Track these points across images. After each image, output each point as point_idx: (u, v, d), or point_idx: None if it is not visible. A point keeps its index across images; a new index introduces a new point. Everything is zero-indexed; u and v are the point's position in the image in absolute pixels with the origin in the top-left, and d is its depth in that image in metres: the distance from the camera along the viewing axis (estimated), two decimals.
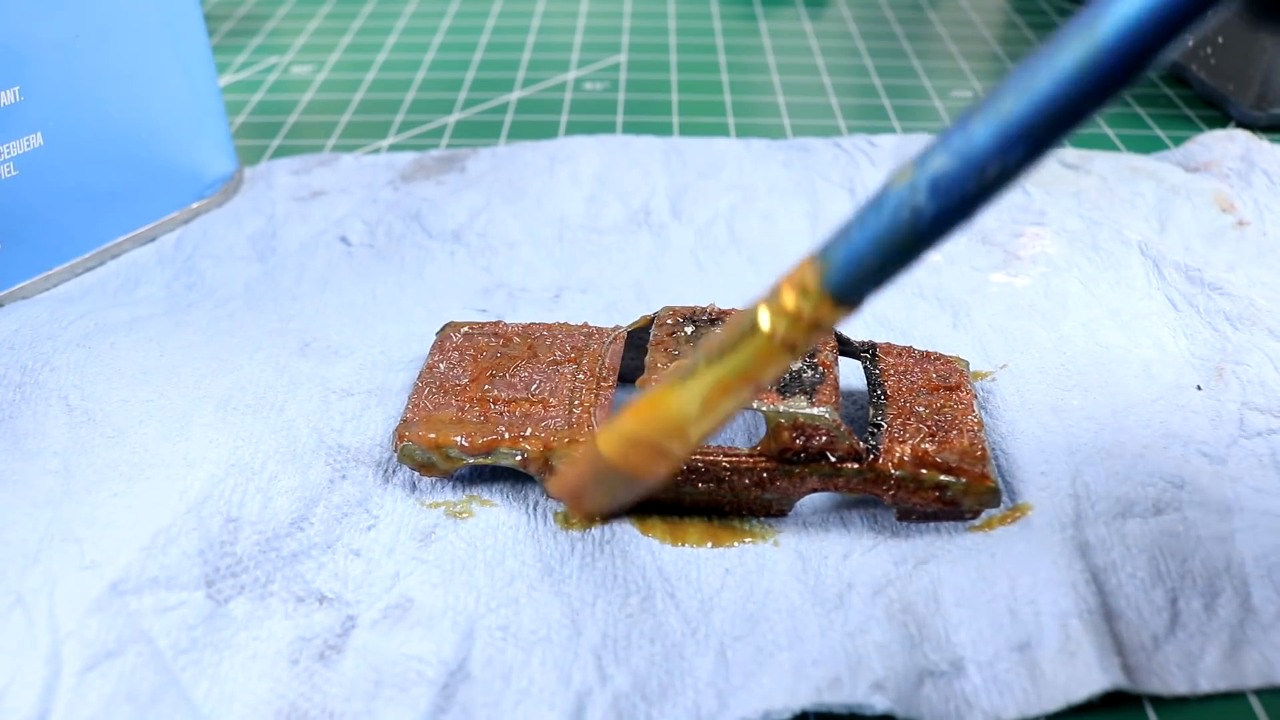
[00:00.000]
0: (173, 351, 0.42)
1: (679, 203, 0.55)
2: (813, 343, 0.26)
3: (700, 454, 0.36)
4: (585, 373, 0.39)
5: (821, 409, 0.35)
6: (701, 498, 0.36)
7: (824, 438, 0.35)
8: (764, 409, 0.35)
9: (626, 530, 0.36)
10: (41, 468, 0.36)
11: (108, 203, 0.50)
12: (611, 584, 0.34)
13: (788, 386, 0.35)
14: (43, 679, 0.30)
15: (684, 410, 0.28)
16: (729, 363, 0.28)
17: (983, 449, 0.36)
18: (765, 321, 0.26)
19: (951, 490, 0.35)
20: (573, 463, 0.34)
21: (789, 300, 0.26)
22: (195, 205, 0.53)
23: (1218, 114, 0.65)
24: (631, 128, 0.64)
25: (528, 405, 0.37)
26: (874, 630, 0.32)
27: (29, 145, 0.45)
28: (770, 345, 0.27)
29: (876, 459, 0.35)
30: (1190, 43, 0.67)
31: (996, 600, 0.33)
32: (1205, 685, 0.31)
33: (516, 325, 0.42)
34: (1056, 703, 0.30)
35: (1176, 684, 0.31)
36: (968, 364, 0.41)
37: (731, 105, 0.67)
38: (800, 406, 0.35)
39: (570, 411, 0.37)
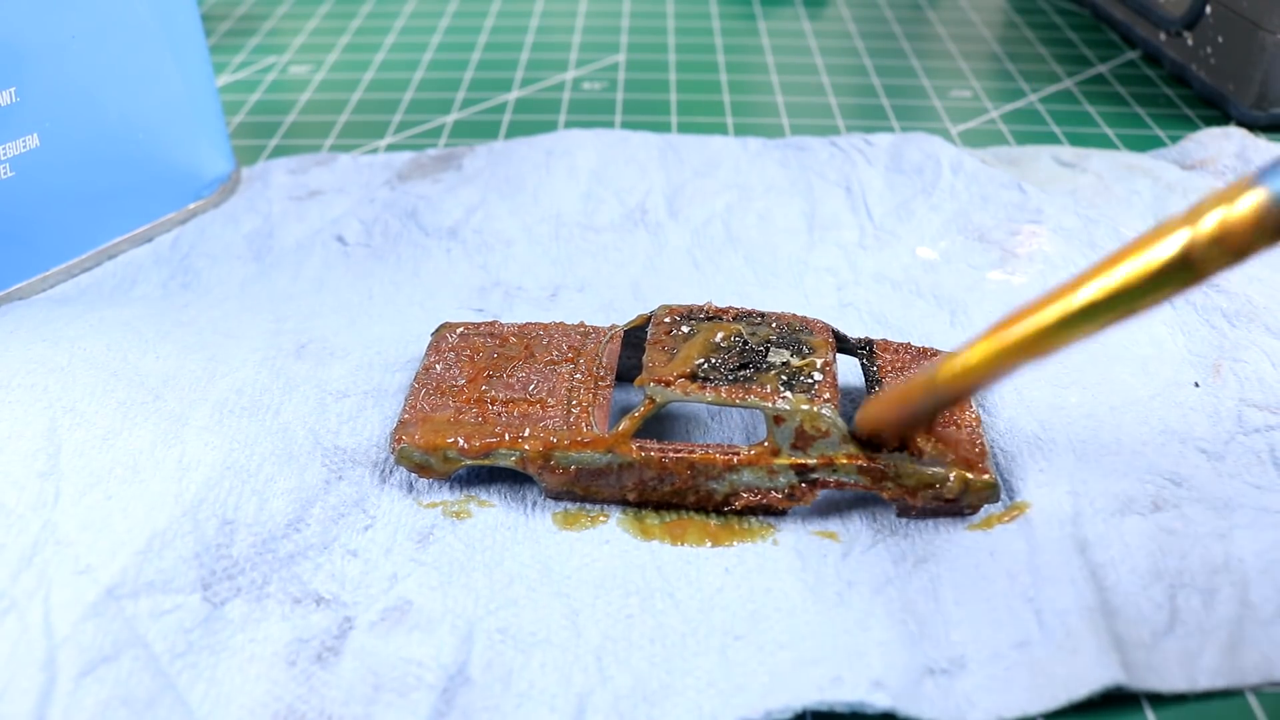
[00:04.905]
0: (168, 354, 0.42)
1: (675, 201, 0.55)
2: (1219, 270, 0.26)
3: (700, 451, 0.36)
4: (583, 372, 0.39)
5: (821, 406, 0.35)
6: (700, 496, 0.36)
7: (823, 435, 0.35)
8: (764, 407, 0.35)
9: (626, 530, 0.36)
10: (35, 470, 0.36)
11: (104, 203, 0.49)
12: (611, 584, 0.34)
13: (787, 384, 0.35)
14: (38, 685, 0.30)
15: (1045, 326, 0.29)
16: (1113, 281, 0.27)
17: (981, 445, 0.36)
18: (1180, 242, 0.26)
19: (950, 487, 0.35)
20: (892, 400, 0.34)
21: (1213, 218, 0.25)
22: (192, 205, 0.53)
23: (1218, 114, 0.65)
24: (630, 127, 0.64)
25: (525, 405, 0.37)
26: (874, 628, 0.32)
27: (25, 146, 0.45)
28: (1173, 266, 0.26)
29: (875, 456, 0.35)
30: (1190, 42, 0.67)
31: (996, 598, 0.33)
32: (1204, 682, 0.31)
33: (513, 325, 0.42)
34: (1056, 700, 0.30)
35: (1175, 681, 0.31)
36: None
37: (730, 105, 0.67)
38: (800, 404, 0.35)
39: (568, 411, 0.37)
